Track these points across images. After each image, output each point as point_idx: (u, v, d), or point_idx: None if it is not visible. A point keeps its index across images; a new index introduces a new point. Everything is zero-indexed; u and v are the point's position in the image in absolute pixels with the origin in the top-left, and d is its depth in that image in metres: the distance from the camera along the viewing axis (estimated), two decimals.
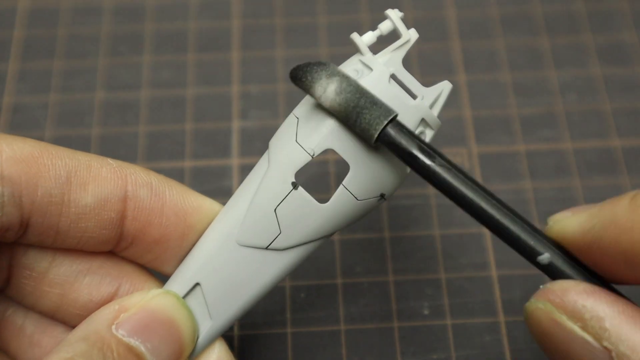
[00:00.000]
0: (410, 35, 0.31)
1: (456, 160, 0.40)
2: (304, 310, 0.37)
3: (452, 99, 0.42)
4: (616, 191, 0.39)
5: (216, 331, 0.31)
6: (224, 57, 0.44)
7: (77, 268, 0.31)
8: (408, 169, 0.30)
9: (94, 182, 0.30)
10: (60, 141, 0.41)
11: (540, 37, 0.44)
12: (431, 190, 0.39)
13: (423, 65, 0.43)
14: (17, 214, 0.29)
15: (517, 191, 0.40)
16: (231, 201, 0.31)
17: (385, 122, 0.28)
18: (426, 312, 0.37)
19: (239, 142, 0.41)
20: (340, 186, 0.30)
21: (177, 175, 0.40)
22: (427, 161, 0.28)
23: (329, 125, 0.29)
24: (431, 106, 0.30)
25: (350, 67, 0.30)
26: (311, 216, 0.30)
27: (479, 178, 0.40)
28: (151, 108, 0.42)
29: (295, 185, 0.29)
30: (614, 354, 0.26)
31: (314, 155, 0.29)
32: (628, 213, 0.27)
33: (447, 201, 0.39)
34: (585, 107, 0.42)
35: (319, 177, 0.40)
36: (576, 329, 0.27)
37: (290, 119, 0.30)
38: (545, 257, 0.28)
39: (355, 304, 0.37)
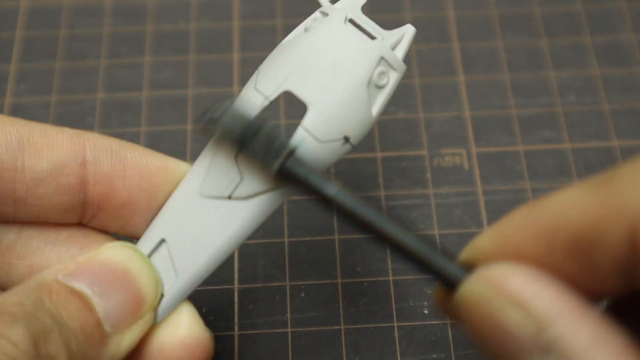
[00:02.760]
0: None
1: (455, 160, 0.40)
2: (304, 310, 0.37)
3: (452, 99, 0.42)
4: None
5: (182, 288, 0.30)
6: (225, 57, 0.44)
7: (46, 239, 0.30)
8: (374, 112, 0.30)
9: (50, 148, 0.29)
10: None
11: (539, 37, 0.44)
12: (430, 190, 0.40)
13: (422, 65, 0.43)
14: None
15: (516, 191, 0.40)
16: (199, 157, 0.31)
17: (284, 157, 0.28)
18: (426, 311, 0.37)
19: None
20: (299, 128, 0.29)
21: None
22: (330, 191, 0.28)
23: (283, 68, 0.30)
24: (393, 48, 0.30)
25: (310, 18, 0.31)
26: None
27: (478, 178, 0.40)
28: (152, 109, 0.42)
29: None
30: (555, 348, 0.23)
31: (271, 99, 0.30)
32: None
33: (447, 201, 0.39)
34: (585, 108, 0.42)
35: None
36: (517, 317, 0.24)
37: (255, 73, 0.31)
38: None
39: (355, 304, 0.37)
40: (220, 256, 0.30)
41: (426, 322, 0.36)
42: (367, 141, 0.41)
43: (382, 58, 0.30)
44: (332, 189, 0.28)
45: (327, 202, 0.28)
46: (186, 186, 0.30)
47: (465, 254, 0.27)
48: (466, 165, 0.40)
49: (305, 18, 0.45)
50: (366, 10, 0.45)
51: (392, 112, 0.42)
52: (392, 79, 0.30)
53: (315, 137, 0.29)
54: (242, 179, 0.29)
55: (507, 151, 0.41)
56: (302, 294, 0.37)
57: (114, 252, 0.29)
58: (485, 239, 0.27)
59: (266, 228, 0.38)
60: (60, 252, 0.30)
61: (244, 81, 0.43)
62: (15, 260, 0.30)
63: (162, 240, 0.30)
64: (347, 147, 0.30)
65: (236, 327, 0.36)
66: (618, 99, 0.42)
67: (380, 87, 0.30)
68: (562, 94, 0.42)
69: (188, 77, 0.43)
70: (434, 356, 0.36)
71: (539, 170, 0.40)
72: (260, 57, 0.44)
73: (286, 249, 0.38)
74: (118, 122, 0.42)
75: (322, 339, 0.36)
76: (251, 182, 0.29)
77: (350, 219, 0.28)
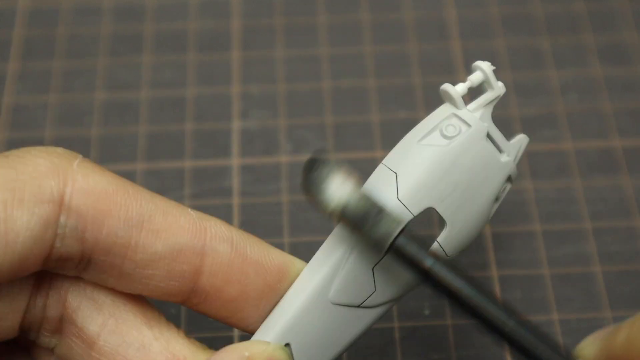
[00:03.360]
0: (500, 90, 0.31)
1: None
2: None
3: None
4: (617, 191, 0.39)
5: None
6: (224, 57, 0.44)
7: (129, 340, 0.29)
8: (492, 212, 0.31)
9: (169, 230, 0.28)
10: (60, 142, 0.41)
11: (540, 37, 0.44)
12: None
13: (423, 65, 0.43)
14: (78, 247, 0.27)
15: (518, 191, 0.39)
16: (319, 256, 0.30)
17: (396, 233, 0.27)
18: (427, 312, 0.37)
19: (239, 143, 0.41)
20: (435, 243, 0.29)
21: (177, 176, 0.40)
22: (427, 263, 0.27)
23: (429, 182, 0.29)
24: (514, 160, 0.31)
25: (446, 122, 0.30)
26: (406, 275, 0.29)
27: None
28: (151, 108, 0.42)
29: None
30: None
31: (415, 214, 0.29)
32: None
33: None
34: (586, 107, 0.42)
35: None
36: None
37: (384, 172, 0.30)
38: None
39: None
40: (340, 353, 0.30)
41: (427, 323, 0.36)
42: (367, 141, 0.41)
43: (509, 176, 0.31)
44: (428, 260, 0.27)
45: (423, 275, 0.27)
46: (313, 289, 0.29)
47: (587, 349, 0.28)
48: None
49: (304, 17, 0.45)
50: (366, 10, 0.45)
51: (392, 112, 0.42)
52: (507, 190, 0.31)
53: (444, 252, 0.30)
54: (374, 291, 0.29)
55: None
56: None
57: (281, 357, 0.29)
58: (614, 339, 0.27)
59: (266, 228, 0.38)
60: (144, 357, 0.29)
61: (243, 80, 0.43)
62: (97, 355, 0.29)
63: (287, 344, 0.29)
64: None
65: (237, 329, 0.36)
66: (620, 98, 0.42)
67: (497, 199, 0.31)
68: (563, 94, 0.42)
69: (187, 76, 0.43)
70: (435, 357, 0.36)
71: (540, 171, 0.40)
72: (260, 56, 0.44)
73: (286, 249, 0.38)
74: (117, 122, 0.42)
75: None
76: (383, 293, 0.29)
77: (446, 294, 0.27)
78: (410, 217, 0.29)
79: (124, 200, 0.28)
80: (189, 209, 0.29)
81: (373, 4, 0.45)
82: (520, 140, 0.31)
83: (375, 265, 0.29)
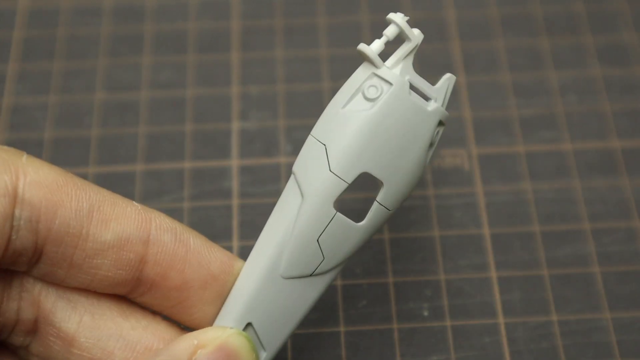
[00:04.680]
0: (418, 38, 0.31)
1: (455, 161, 0.40)
2: None
3: (452, 100, 0.42)
4: (616, 192, 0.39)
5: None
6: (224, 57, 0.44)
7: (108, 333, 0.30)
8: (428, 158, 0.31)
9: (117, 220, 0.29)
10: (60, 142, 0.41)
11: (540, 37, 0.44)
12: (431, 191, 0.39)
13: (423, 65, 0.43)
14: (32, 239, 0.28)
15: (517, 192, 0.40)
16: (265, 234, 0.31)
17: None
18: (426, 313, 0.37)
19: (239, 143, 0.41)
20: (375, 203, 0.30)
21: (177, 176, 0.40)
22: None
23: (358, 148, 0.29)
24: (442, 104, 0.31)
25: (367, 84, 0.30)
26: (351, 237, 0.30)
27: (478, 179, 0.40)
28: (151, 109, 0.42)
29: (334, 214, 0.30)
30: None
31: (349, 181, 0.30)
32: None
33: (446, 202, 0.39)
34: (586, 108, 0.42)
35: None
36: None
37: (313, 144, 0.30)
38: None
39: (355, 306, 0.37)
40: (299, 322, 0.31)
41: (426, 324, 0.36)
42: None
43: (440, 120, 0.31)
44: None
45: None
46: (264, 268, 0.30)
47: None
48: (466, 166, 0.40)
49: (304, 18, 0.45)
50: (366, 10, 0.45)
51: None
52: (440, 133, 0.31)
53: (387, 208, 0.30)
54: (323, 259, 0.30)
55: (507, 152, 0.41)
56: None
57: (236, 342, 0.30)
58: None
59: None
60: (125, 346, 0.30)
61: (243, 81, 0.43)
62: (78, 351, 0.30)
63: (249, 324, 0.31)
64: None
65: None
66: (619, 99, 0.42)
67: (432, 144, 0.31)
68: (562, 94, 0.42)
69: (187, 77, 0.43)
70: (434, 358, 0.36)
71: (539, 171, 0.40)
72: (260, 57, 0.44)
73: None
74: (117, 123, 0.42)
75: (321, 340, 0.36)
76: (332, 258, 0.30)
77: None
78: (345, 185, 0.29)
79: (74, 192, 0.29)
80: (133, 202, 0.30)
81: (373, 4, 0.45)
82: (447, 80, 0.31)
83: (320, 236, 0.30)
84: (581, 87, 0.42)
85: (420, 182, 0.33)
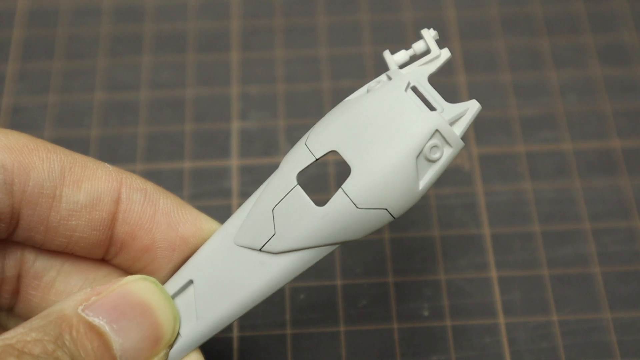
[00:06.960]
0: (441, 52, 0.30)
1: (456, 161, 0.40)
2: (303, 311, 0.37)
3: (452, 100, 0.42)
4: (616, 192, 0.39)
5: (200, 332, 0.30)
6: (224, 57, 0.44)
7: (85, 277, 0.31)
8: (420, 187, 0.29)
9: (89, 180, 0.30)
10: (60, 142, 0.41)
11: (540, 37, 0.44)
12: (431, 191, 0.39)
13: None
14: (8, 201, 0.29)
15: (517, 192, 0.40)
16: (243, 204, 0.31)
17: None
18: (426, 313, 0.37)
19: (239, 143, 0.41)
20: (339, 190, 0.28)
21: (176, 176, 0.40)
22: None
23: (334, 126, 0.29)
24: (452, 123, 0.29)
25: (375, 80, 0.30)
26: (306, 218, 0.29)
27: (478, 179, 0.40)
28: (151, 109, 0.42)
29: (294, 185, 0.29)
30: None
31: (317, 156, 0.29)
32: None
33: (447, 202, 0.39)
34: (586, 108, 0.42)
35: (320, 178, 0.40)
36: None
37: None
38: None
39: (355, 306, 0.37)
40: (243, 306, 0.30)
41: (426, 324, 0.36)
42: None
43: (437, 131, 0.28)
44: None
45: None
46: (222, 231, 0.30)
47: None
48: (467, 166, 0.40)
49: (304, 17, 0.45)
50: (366, 10, 0.45)
51: None
52: (446, 154, 0.29)
53: (353, 202, 0.28)
54: (274, 234, 0.29)
55: (507, 152, 0.41)
56: (302, 296, 0.37)
57: (136, 286, 0.29)
58: None
59: None
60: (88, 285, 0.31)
61: (243, 81, 0.43)
62: (54, 298, 0.31)
63: (190, 282, 0.30)
64: (387, 217, 0.29)
65: (235, 329, 0.36)
66: (619, 99, 0.42)
67: (431, 161, 0.29)
68: (563, 94, 0.42)
69: (187, 77, 0.43)
70: (434, 358, 0.36)
71: (539, 171, 0.40)
72: (260, 57, 0.44)
73: None
74: (117, 122, 0.42)
75: (321, 340, 0.36)
76: (282, 238, 0.29)
77: None
78: (312, 159, 0.29)
79: (45, 154, 0.29)
80: (106, 164, 0.31)
81: (373, 4, 0.45)
82: (467, 104, 0.29)
83: (276, 206, 0.29)
84: (581, 87, 0.42)
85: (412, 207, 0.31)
